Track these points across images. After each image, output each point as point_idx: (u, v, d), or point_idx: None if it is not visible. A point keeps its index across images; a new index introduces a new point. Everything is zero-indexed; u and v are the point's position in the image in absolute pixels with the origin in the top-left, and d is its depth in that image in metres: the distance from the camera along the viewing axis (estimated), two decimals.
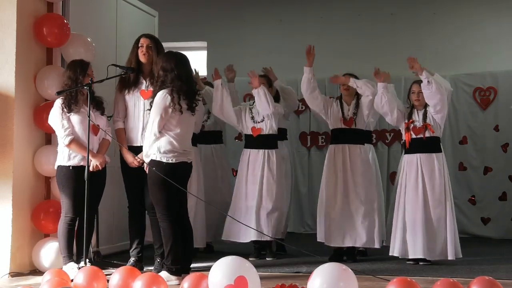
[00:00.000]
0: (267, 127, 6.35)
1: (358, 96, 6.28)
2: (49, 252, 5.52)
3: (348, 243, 6.13)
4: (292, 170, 7.24)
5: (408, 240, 6.00)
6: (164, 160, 4.98)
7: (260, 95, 6.20)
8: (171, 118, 5.01)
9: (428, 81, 5.87)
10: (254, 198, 6.27)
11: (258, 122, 6.37)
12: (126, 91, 5.58)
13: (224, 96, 6.31)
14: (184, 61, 5.15)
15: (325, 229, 6.16)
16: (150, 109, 5.14)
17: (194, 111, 5.15)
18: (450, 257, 5.93)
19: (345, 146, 6.22)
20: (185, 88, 5.04)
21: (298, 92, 7.24)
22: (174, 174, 4.97)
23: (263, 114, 6.31)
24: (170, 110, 4.98)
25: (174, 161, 5.00)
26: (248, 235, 6.20)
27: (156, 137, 4.99)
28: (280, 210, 6.36)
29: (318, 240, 6.25)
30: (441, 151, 6.14)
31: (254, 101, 6.45)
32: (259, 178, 6.28)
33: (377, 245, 6.14)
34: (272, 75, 6.69)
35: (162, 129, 5.01)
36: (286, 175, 6.75)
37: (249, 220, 6.15)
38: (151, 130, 5.00)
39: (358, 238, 6.11)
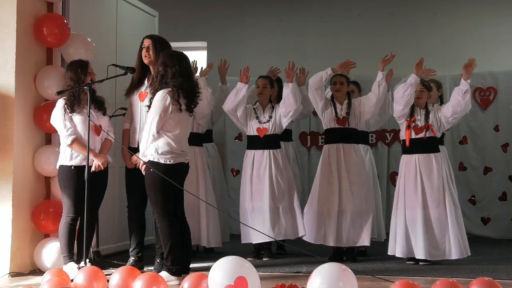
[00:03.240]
0: (272, 127, 6.35)
1: (349, 96, 6.31)
2: (51, 252, 5.52)
3: (341, 243, 6.13)
4: (299, 172, 7.21)
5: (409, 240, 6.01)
6: (162, 161, 4.96)
7: (293, 90, 6.15)
8: (170, 119, 4.98)
9: (466, 90, 5.87)
10: (261, 199, 6.25)
11: (264, 123, 6.37)
12: (131, 93, 5.60)
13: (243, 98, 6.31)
14: (184, 59, 5.13)
15: (314, 229, 6.14)
16: (148, 107, 5.11)
17: (192, 111, 5.14)
18: (455, 256, 5.91)
19: (339, 145, 6.23)
20: (185, 85, 5.02)
21: None
22: (172, 175, 4.95)
23: (283, 110, 6.24)
24: (169, 110, 4.96)
25: (172, 162, 4.98)
26: (258, 236, 6.15)
27: (154, 137, 4.97)
28: (295, 209, 6.33)
29: (304, 238, 6.22)
30: (439, 151, 6.14)
31: (257, 102, 6.46)
32: (267, 179, 6.26)
33: (366, 243, 6.15)
34: (303, 78, 6.60)
35: (160, 130, 4.98)
36: (294, 176, 6.72)
37: (261, 221, 6.15)
38: (149, 130, 4.97)
39: (350, 237, 6.11)
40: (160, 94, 4.98)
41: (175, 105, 4.96)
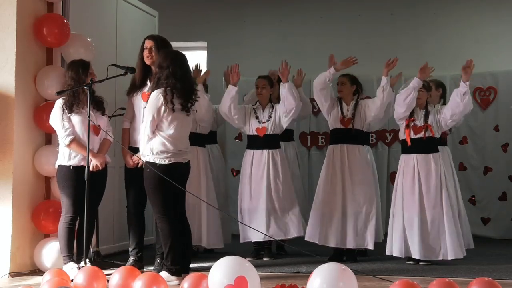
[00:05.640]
0: (272, 126, 6.34)
1: (358, 96, 6.29)
2: (51, 252, 5.52)
3: (344, 244, 6.13)
4: (300, 172, 7.21)
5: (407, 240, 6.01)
6: (157, 162, 4.97)
7: (290, 89, 6.14)
8: (164, 119, 4.98)
9: (465, 92, 5.87)
10: (259, 198, 6.25)
11: (263, 122, 6.37)
12: (133, 93, 5.60)
13: (234, 99, 6.28)
14: (180, 59, 5.10)
15: (318, 229, 6.14)
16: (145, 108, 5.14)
17: (190, 111, 5.11)
18: (451, 257, 5.92)
19: (343, 146, 6.23)
20: (179, 86, 5.00)
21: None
22: (169, 174, 4.94)
23: (284, 109, 6.23)
24: (162, 110, 4.96)
25: (167, 162, 4.98)
26: (257, 235, 6.15)
27: (149, 137, 4.98)
28: (292, 210, 6.33)
29: (306, 239, 6.20)
30: (438, 151, 6.14)
31: (257, 102, 6.45)
32: (265, 179, 6.26)
33: (370, 246, 6.15)
34: (300, 80, 6.63)
35: (155, 130, 4.99)
36: (293, 177, 6.69)
37: (258, 221, 6.15)
38: (144, 131, 5.00)
39: (353, 238, 6.11)
40: (153, 94, 5.01)
41: (168, 106, 4.95)
